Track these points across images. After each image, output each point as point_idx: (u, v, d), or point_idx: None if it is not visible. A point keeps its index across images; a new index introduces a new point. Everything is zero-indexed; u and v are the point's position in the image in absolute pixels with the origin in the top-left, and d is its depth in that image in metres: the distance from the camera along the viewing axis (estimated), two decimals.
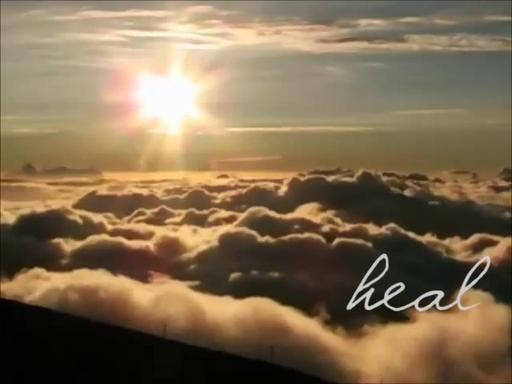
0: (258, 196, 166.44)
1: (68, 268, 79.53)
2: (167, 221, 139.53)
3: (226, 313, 53.78)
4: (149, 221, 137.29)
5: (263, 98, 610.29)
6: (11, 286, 66.50)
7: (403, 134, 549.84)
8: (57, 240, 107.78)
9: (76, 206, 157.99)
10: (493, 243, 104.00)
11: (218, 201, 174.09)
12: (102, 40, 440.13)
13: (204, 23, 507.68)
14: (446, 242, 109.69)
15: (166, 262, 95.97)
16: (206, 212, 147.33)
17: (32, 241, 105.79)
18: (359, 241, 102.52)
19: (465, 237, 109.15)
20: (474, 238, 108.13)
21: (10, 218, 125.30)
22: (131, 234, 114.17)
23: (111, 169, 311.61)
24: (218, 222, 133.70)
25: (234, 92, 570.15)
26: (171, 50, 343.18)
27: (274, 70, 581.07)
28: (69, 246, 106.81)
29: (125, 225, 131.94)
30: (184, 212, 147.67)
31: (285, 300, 57.41)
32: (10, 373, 15.73)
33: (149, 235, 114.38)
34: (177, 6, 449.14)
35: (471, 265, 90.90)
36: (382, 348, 47.81)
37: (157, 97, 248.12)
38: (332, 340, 50.75)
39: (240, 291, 65.53)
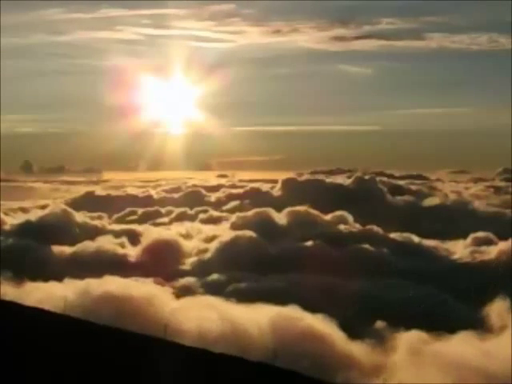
0: (252, 196, 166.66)
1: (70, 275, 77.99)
2: (158, 220, 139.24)
3: (259, 321, 53.19)
4: (140, 220, 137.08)
5: (271, 97, 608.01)
6: (23, 294, 63.87)
7: (409, 134, 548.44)
8: (57, 245, 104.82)
9: (68, 206, 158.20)
10: (493, 243, 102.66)
11: (212, 200, 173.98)
12: (116, 38, 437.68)
13: (221, 21, 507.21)
14: (446, 244, 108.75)
15: (158, 265, 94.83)
16: (198, 211, 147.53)
17: (32, 245, 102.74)
18: (366, 245, 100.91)
19: (464, 238, 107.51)
20: (474, 238, 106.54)
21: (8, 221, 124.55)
22: (121, 235, 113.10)
23: (112, 168, 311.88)
24: (210, 222, 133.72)
25: (241, 91, 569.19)
26: (186, 49, 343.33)
27: (286, 69, 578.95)
28: (67, 251, 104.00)
29: (113, 225, 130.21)
30: (176, 211, 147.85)
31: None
32: (9, 373, 15.70)
33: (140, 235, 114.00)
34: (195, 5, 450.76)
35: (475, 267, 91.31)
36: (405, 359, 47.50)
37: (164, 96, 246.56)
38: (362, 351, 50.19)
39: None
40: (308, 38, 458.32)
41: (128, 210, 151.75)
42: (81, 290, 61.08)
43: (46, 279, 69.14)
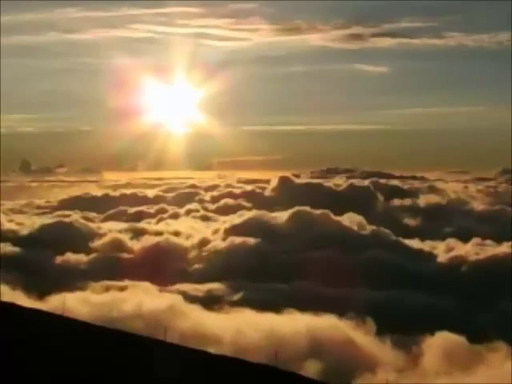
0: (249, 196, 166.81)
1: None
2: (152, 220, 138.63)
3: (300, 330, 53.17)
4: (133, 219, 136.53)
5: (276, 96, 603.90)
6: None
7: (419, 133, 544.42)
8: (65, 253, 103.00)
9: (59, 206, 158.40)
10: (492, 245, 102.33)
11: (209, 200, 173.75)
12: (129, 37, 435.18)
13: (240, 20, 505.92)
14: (445, 244, 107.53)
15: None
16: (195, 211, 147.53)
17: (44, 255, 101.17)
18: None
19: (464, 239, 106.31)
20: (474, 239, 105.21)
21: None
22: (111, 236, 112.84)
23: (113, 168, 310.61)
24: (205, 222, 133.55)
25: (246, 91, 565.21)
26: (200, 47, 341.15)
27: (298, 67, 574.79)
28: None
29: (103, 225, 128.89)
30: (171, 211, 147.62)
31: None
32: (10, 375, 15.68)
33: (133, 236, 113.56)
34: (216, 4, 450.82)
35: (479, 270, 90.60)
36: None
37: (170, 96, 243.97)
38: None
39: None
40: (325, 36, 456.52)
41: (120, 208, 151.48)
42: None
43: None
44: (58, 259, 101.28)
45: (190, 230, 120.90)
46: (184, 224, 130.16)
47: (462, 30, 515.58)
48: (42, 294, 62.51)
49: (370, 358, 48.51)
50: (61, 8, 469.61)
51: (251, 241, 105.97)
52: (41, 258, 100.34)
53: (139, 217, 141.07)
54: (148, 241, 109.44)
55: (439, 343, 50.11)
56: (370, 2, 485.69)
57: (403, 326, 57.71)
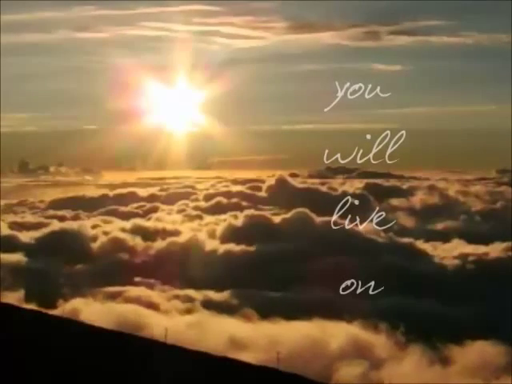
0: (245, 196, 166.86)
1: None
2: (145, 219, 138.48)
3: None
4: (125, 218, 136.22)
5: (285, 95, 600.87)
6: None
7: (427, 132, 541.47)
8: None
9: (53, 206, 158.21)
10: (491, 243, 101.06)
11: (204, 200, 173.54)
12: (144, 35, 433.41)
13: (256, 19, 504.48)
14: (445, 244, 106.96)
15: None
16: (192, 211, 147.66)
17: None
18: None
19: (464, 239, 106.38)
20: (474, 239, 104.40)
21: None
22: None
23: (112, 168, 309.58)
24: (199, 222, 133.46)
25: (260, 89, 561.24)
26: (213, 46, 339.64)
27: (311, 66, 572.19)
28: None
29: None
30: (166, 211, 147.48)
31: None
32: (10, 375, 15.64)
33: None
34: (233, 3, 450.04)
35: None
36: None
37: (177, 96, 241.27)
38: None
39: None
40: (341, 34, 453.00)
41: (113, 207, 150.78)
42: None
43: None
44: (51, 261, 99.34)
45: (183, 228, 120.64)
46: (176, 222, 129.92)
47: (479, 29, 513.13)
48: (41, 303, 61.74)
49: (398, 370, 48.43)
50: (79, 6, 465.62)
51: (245, 240, 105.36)
52: (34, 261, 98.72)
53: (131, 216, 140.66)
54: (141, 240, 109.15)
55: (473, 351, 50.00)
56: (388, 1, 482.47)
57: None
